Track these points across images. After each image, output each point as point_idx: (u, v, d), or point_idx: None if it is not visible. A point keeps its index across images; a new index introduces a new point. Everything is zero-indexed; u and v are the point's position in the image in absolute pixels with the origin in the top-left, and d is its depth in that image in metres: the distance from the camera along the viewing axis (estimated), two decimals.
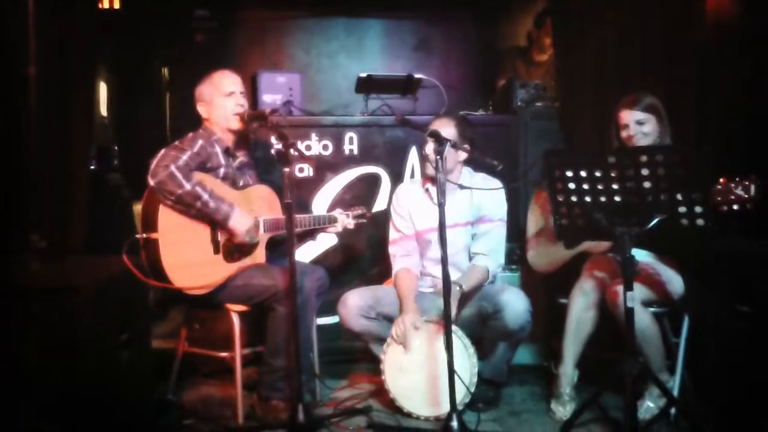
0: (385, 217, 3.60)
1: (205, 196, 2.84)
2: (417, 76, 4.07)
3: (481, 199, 3.25)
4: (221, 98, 3.08)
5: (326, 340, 3.59)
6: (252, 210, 3.07)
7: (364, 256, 3.95)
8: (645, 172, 2.45)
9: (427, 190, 3.32)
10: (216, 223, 2.93)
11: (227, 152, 3.10)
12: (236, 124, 3.08)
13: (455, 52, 5.91)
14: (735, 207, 2.58)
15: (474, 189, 3.23)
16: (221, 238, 2.98)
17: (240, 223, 2.94)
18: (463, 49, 5.92)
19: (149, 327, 3.23)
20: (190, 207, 2.84)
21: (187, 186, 2.80)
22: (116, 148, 5.10)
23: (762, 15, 3.31)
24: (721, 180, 2.60)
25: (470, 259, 3.27)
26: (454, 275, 3.06)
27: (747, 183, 2.57)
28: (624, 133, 3.10)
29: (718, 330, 2.95)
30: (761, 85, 3.32)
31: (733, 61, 3.42)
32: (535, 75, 4.93)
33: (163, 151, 2.87)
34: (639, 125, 3.05)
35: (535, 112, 4.12)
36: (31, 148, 2.93)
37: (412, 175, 3.92)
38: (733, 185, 2.58)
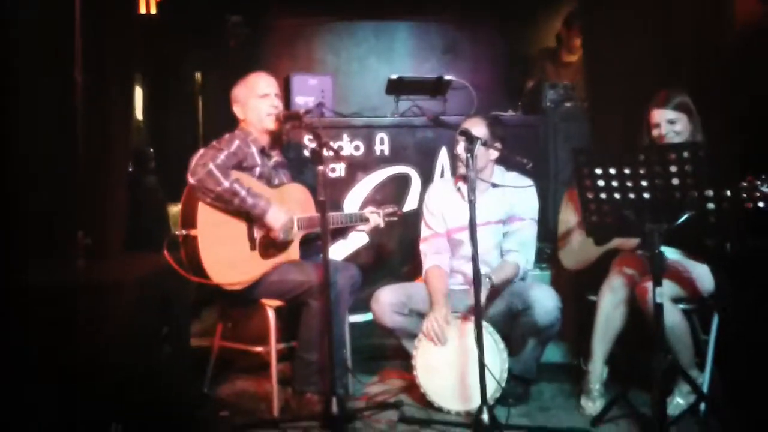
0: (415, 216, 3.66)
1: (243, 193, 2.93)
2: (447, 77, 4.12)
3: (513, 198, 3.30)
4: (256, 100, 3.17)
5: (358, 337, 3.65)
6: (286, 207, 3.15)
7: (395, 255, 4.01)
8: (673, 169, 2.48)
9: (459, 189, 3.37)
10: (253, 218, 3.02)
11: (263, 152, 3.19)
12: (271, 125, 3.17)
13: (483, 54, 5.93)
14: (760, 204, 2.60)
15: (506, 187, 3.27)
16: (257, 235, 3.06)
17: (276, 219, 3.03)
18: (491, 51, 5.94)
19: (188, 322, 3.32)
20: (229, 203, 2.93)
21: (226, 183, 2.89)
22: (152, 151, 5.21)
23: None
24: (748, 178, 2.62)
25: (501, 256, 3.31)
26: (484, 272, 3.10)
27: None
28: (656, 132, 3.11)
29: (747, 327, 2.97)
30: None
31: (760, 57, 3.43)
32: (564, 76, 4.94)
33: (202, 151, 2.97)
34: (670, 124, 3.07)
35: (564, 113, 4.16)
36: (78, 151, 3.04)
37: (442, 175, 3.98)
38: (758, 183, 2.60)
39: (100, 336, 2.46)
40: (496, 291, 3.15)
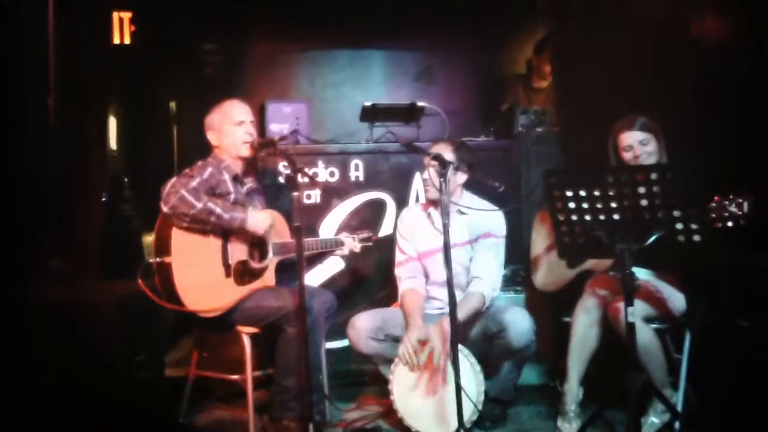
0: (390, 241, 3.68)
1: (218, 210, 2.95)
2: (420, 103, 4.17)
3: (480, 222, 3.32)
4: (231, 127, 3.18)
5: (335, 363, 3.65)
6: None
7: (371, 280, 4.02)
8: (642, 190, 2.53)
9: (429, 215, 3.40)
10: (234, 232, 3.03)
11: (236, 179, 3.20)
12: (246, 152, 3.18)
13: (457, 80, 6.02)
14: (729, 224, 2.65)
15: (473, 211, 3.29)
16: (232, 261, 3.06)
17: (258, 224, 3.06)
18: (465, 77, 6.04)
19: (163, 350, 3.30)
20: (206, 224, 2.94)
21: (199, 205, 2.91)
22: (126, 180, 5.20)
23: (748, 32, 3.43)
24: (716, 198, 2.68)
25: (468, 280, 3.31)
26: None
27: (741, 200, 2.64)
28: (628, 155, 3.17)
29: (719, 344, 3.01)
30: (756, 103, 3.41)
31: (725, 78, 3.51)
32: (536, 102, 5.02)
33: (174, 179, 2.98)
34: (643, 145, 3.13)
35: (536, 137, 4.21)
36: (52, 179, 3.04)
37: (417, 200, 4.01)
38: (726, 203, 2.65)
39: (73, 360, 2.44)
40: (465, 326, 3.15)
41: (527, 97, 5.17)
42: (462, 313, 3.07)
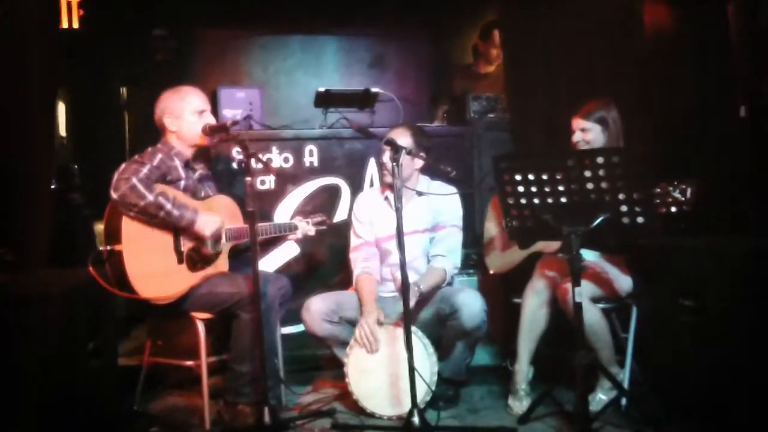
0: (345, 227, 3.70)
1: (168, 206, 2.91)
2: (374, 89, 4.19)
3: (438, 206, 3.38)
4: (194, 115, 3.14)
5: (291, 348, 3.68)
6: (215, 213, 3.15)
7: (326, 265, 4.04)
8: (588, 173, 2.60)
9: (386, 198, 3.43)
10: (181, 230, 3.00)
11: (187, 165, 3.17)
12: (202, 140, 3.17)
13: (410, 68, 6.06)
14: (673, 209, 2.74)
15: (431, 195, 3.35)
16: (184, 248, 3.04)
17: (205, 226, 3.02)
18: (417, 64, 6.07)
19: (116, 338, 3.27)
20: (154, 217, 2.90)
21: (150, 197, 2.87)
22: (76, 167, 5.10)
23: (693, 23, 3.53)
24: (661, 184, 2.76)
25: (428, 262, 3.39)
26: (413, 279, 3.17)
27: (684, 187, 2.73)
28: (572, 139, 3.27)
29: (664, 323, 3.11)
30: (697, 90, 3.51)
31: (671, 68, 3.61)
32: (483, 87, 5.06)
33: (123, 166, 2.94)
34: (582, 132, 3.23)
35: (488, 124, 4.27)
36: None
37: (371, 185, 4.04)
38: (671, 189, 2.74)
39: (22, 349, 2.41)
40: (425, 298, 3.22)
41: (472, 85, 5.20)
42: (425, 286, 3.18)
